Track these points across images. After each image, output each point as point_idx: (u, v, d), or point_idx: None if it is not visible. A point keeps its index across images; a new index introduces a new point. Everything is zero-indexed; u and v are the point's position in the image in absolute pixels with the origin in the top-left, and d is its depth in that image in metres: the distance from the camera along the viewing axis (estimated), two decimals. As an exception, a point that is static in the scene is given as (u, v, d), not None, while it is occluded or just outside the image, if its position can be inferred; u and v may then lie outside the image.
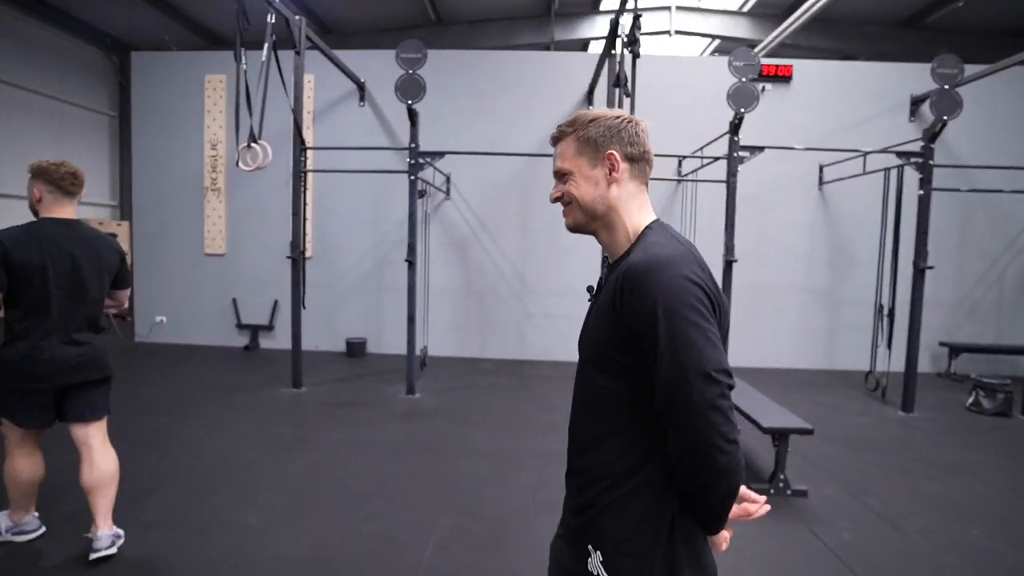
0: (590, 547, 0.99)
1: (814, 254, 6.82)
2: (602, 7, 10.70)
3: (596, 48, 10.81)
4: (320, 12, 9.54)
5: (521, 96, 6.59)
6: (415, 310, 4.99)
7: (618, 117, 1.04)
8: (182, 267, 6.96)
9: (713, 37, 11.24)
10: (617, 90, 4.58)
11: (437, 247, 6.65)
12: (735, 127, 4.89)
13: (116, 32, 10.41)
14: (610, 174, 1.03)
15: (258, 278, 6.85)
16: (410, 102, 4.72)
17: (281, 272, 6.79)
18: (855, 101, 6.64)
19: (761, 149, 5.02)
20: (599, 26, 10.91)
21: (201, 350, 6.68)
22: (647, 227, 1.03)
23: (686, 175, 6.27)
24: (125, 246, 9.02)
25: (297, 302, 5.01)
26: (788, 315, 6.82)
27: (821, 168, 6.66)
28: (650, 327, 0.89)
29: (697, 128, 6.08)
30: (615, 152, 1.02)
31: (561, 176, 1.07)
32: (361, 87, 6.56)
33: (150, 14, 9.31)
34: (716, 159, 5.48)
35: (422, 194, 5.91)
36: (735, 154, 4.95)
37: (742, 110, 4.72)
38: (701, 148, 5.82)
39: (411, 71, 4.71)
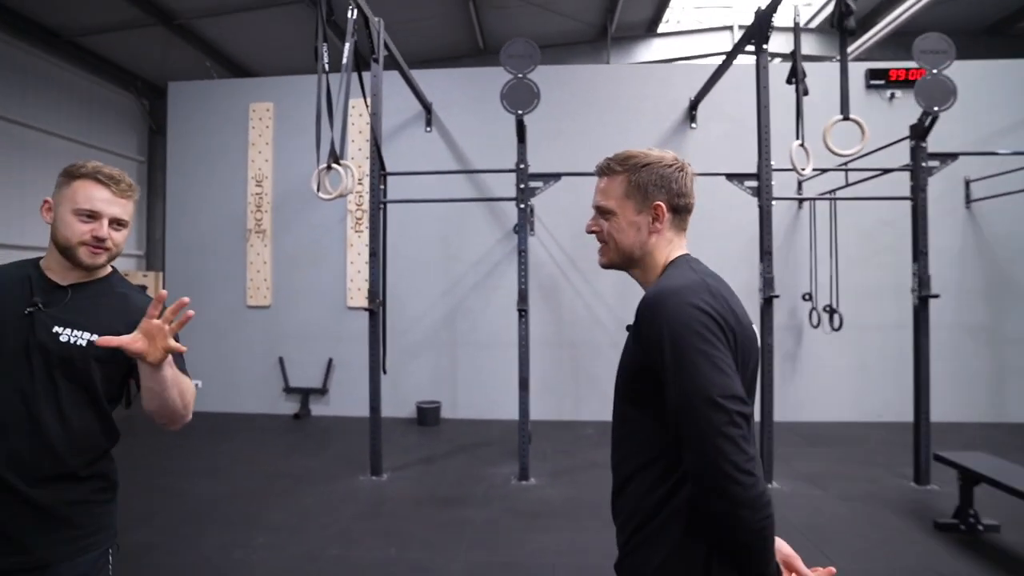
0: None
1: (965, 284, 5.72)
2: (659, 30, 10.04)
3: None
4: (363, 42, 8.93)
5: (615, 114, 5.70)
6: (528, 371, 3.92)
7: (671, 165, 1.04)
8: (222, 323, 5.99)
9: (775, 55, 10.51)
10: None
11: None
12: (923, 130, 3.89)
13: (147, 74, 9.85)
14: (653, 223, 1.04)
15: (308, 333, 5.85)
16: (520, 112, 3.79)
17: (335, 326, 5.81)
18: (1007, 103, 5.66)
19: (954, 156, 4.01)
20: (656, 49, 10.22)
21: (245, 420, 5.62)
22: (671, 262, 1.06)
23: (826, 193, 5.22)
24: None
25: (376, 365, 3.96)
26: (940, 357, 5.65)
27: (967, 183, 5.64)
28: (659, 354, 0.90)
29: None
30: (663, 204, 1.03)
31: (603, 213, 1.07)
32: (428, 109, 5.70)
33: (186, 52, 8.71)
34: (882, 172, 4.46)
35: (516, 230, 4.94)
36: (923, 163, 3.93)
37: (935, 108, 3.73)
38: (848, 159, 4.80)
39: (520, 75, 3.81)
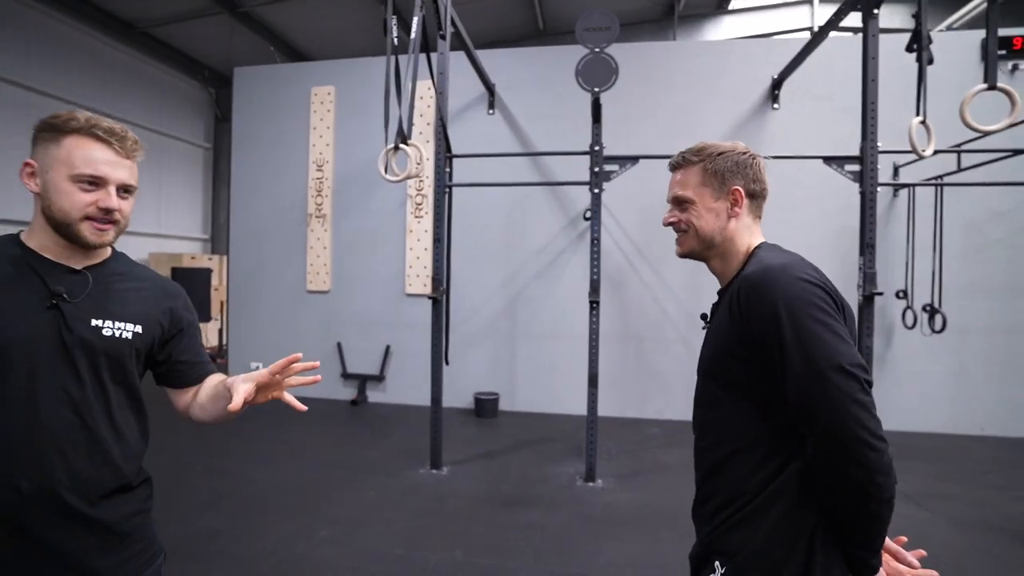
0: (716, 563, 0.97)
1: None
2: (731, 6, 9.44)
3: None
4: (428, 20, 8.79)
5: (688, 94, 5.32)
6: (597, 367, 3.68)
7: (744, 152, 1.10)
8: (281, 306, 6.03)
9: (854, 31, 9.71)
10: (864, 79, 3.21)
11: (584, 280, 5.35)
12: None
13: (214, 63, 10.10)
14: (732, 208, 1.09)
15: (367, 319, 5.80)
16: (596, 90, 3.52)
17: (393, 312, 5.73)
18: None
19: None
20: (726, 27, 9.63)
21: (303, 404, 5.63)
22: (756, 247, 1.09)
23: (933, 179, 4.69)
24: (219, 282, 8.34)
25: (438, 355, 3.81)
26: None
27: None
28: (774, 329, 0.90)
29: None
30: (740, 188, 1.08)
31: (680, 203, 1.12)
32: (491, 91, 5.49)
33: (250, 40, 8.84)
34: (1013, 153, 3.94)
35: (587, 217, 4.69)
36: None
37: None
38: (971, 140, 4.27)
39: (597, 48, 3.54)
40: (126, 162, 1.05)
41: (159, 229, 9.51)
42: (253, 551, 2.75)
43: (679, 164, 1.14)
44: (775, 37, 8.87)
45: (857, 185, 3.44)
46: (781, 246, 1.09)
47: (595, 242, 3.64)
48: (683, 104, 5.32)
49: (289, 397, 1.10)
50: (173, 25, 8.59)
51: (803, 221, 5.02)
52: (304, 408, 1.11)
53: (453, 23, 4.05)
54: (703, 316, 1.17)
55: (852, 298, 3.88)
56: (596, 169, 3.63)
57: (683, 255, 1.16)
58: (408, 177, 2.99)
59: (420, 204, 5.61)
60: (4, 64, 6.70)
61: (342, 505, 3.30)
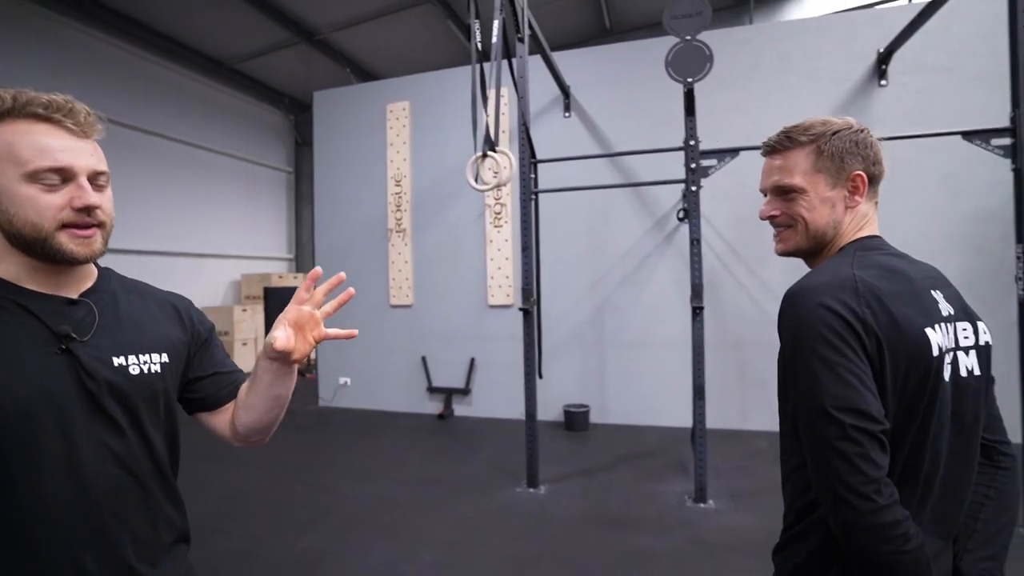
0: None
1: None
2: (814, -17, 8.79)
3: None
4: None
5: (780, 78, 4.92)
6: (703, 377, 3.40)
7: (861, 130, 0.95)
8: (367, 322, 6.12)
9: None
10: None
11: (673, 284, 5.08)
12: None
13: (293, 91, 10.62)
14: (852, 197, 0.95)
15: (450, 332, 5.77)
16: (690, 80, 3.28)
17: (476, 324, 5.66)
18: None
19: None
20: (810, 6, 9.00)
21: (391, 418, 5.68)
22: (844, 246, 0.95)
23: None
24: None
25: (531, 368, 3.66)
26: None
27: None
28: (786, 357, 0.88)
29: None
30: (861, 172, 0.93)
31: (785, 193, 0.97)
32: (567, 93, 5.34)
33: (325, 65, 9.21)
34: None
35: (681, 217, 4.42)
36: None
37: None
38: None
39: (688, 37, 3.30)
40: (86, 144, 0.80)
41: (249, 251, 10.06)
42: (358, 573, 2.71)
43: (781, 146, 0.97)
44: (878, 7, 8.15)
45: (1009, 161, 2.98)
46: (882, 243, 0.95)
47: (695, 243, 3.38)
48: (775, 90, 4.92)
49: (335, 331, 0.91)
50: (256, 59, 9.11)
51: (924, 207, 4.50)
52: (355, 333, 0.93)
53: (530, 26, 3.93)
54: None
55: (1006, 292, 3.39)
56: (692, 165, 3.37)
57: (785, 253, 1.01)
58: (499, 185, 2.88)
59: (499, 213, 5.53)
60: (108, 106, 7.30)
61: (442, 525, 3.21)
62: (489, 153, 2.92)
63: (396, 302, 6.01)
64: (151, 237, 7.96)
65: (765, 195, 1.04)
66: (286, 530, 3.17)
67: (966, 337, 0.91)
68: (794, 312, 0.86)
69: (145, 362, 0.88)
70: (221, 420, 1.01)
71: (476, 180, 2.91)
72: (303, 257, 11.41)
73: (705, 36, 3.36)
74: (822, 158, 0.93)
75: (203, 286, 8.96)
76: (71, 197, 0.77)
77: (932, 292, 0.91)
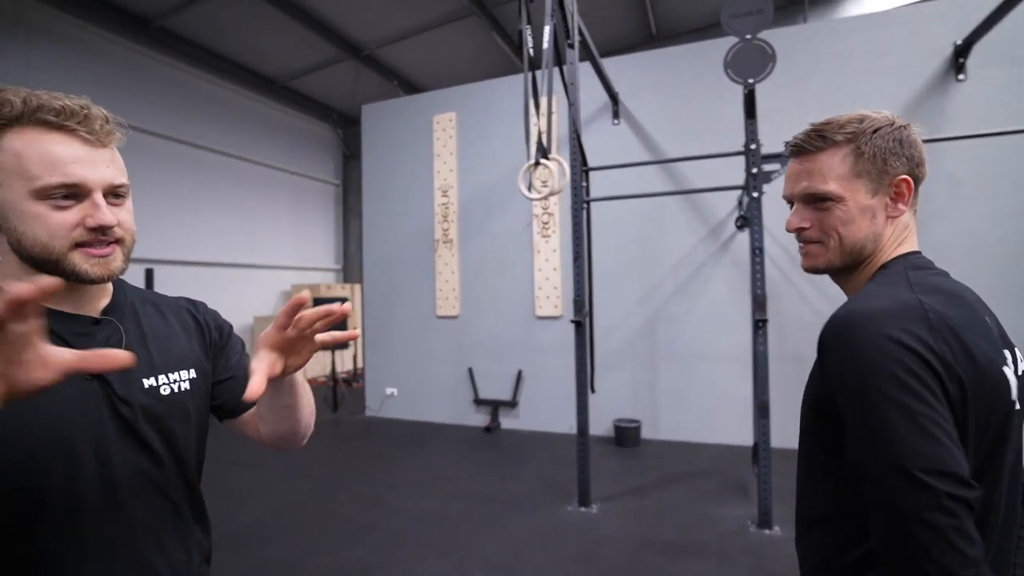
0: None
1: None
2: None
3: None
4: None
5: (845, 75, 4.67)
6: (767, 393, 3.20)
7: (904, 126, 0.82)
8: (413, 332, 6.14)
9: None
10: None
11: (728, 296, 4.87)
12: None
13: (340, 106, 10.91)
14: (895, 205, 0.81)
15: (497, 343, 5.71)
16: (751, 81, 3.12)
17: (524, 336, 5.58)
18: None
19: None
20: (870, 3, 8.59)
21: (437, 430, 5.65)
22: (887, 263, 0.81)
23: None
24: (354, 307, 8.77)
25: (583, 383, 3.54)
26: None
27: None
28: (843, 399, 0.72)
29: None
30: (907, 177, 0.80)
31: (816, 201, 0.83)
32: (615, 100, 5.23)
33: (372, 80, 9.41)
34: None
35: (740, 225, 4.23)
36: None
37: None
38: None
39: (749, 36, 3.15)
40: (103, 153, 0.73)
41: (298, 262, 10.33)
42: (410, 593, 2.64)
43: (810, 145, 0.84)
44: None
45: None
46: (927, 262, 0.82)
47: (757, 252, 3.20)
48: (836, 89, 4.67)
49: (331, 335, 0.78)
50: (306, 76, 9.40)
51: (1001, 210, 4.16)
52: (356, 334, 0.81)
53: (580, 32, 3.86)
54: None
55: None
56: (754, 170, 3.20)
57: (813, 270, 0.88)
58: (552, 194, 2.80)
59: (547, 223, 5.45)
60: (167, 123, 7.66)
61: (491, 544, 3.12)
62: (542, 161, 2.84)
63: (443, 313, 5.99)
64: (204, 249, 8.27)
65: (791, 204, 0.90)
66: (334, 542, 3.15)
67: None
68: (852, 345, 0.72)
69: (175, 380, 0.83)
70: (249, 426, 0.97)
71: (529, 189, 2.84)
72: (350, 268, 11.63)
73: (762, 35, 3.21)
74: (862, 160, 0.80)
75: (254, 296, 9.24)
76: (84, 215, 0.71)
77: (987, 319, 0.77)
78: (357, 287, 9.54)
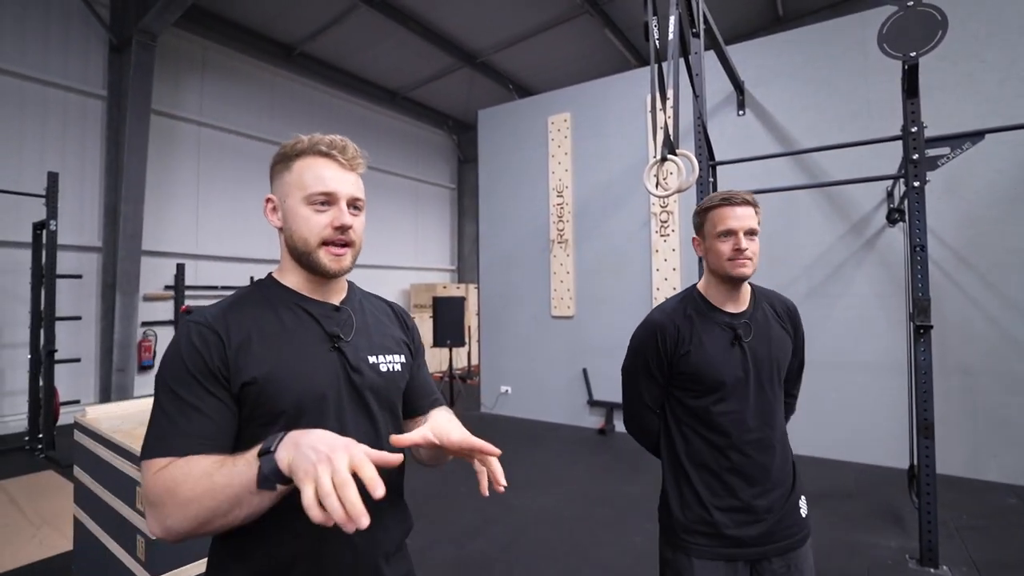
0: None
1: None
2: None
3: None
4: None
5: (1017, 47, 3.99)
6: (932, 412, 2.81)
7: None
8: (528, 332, 6.21)
9: None
10: None
11: (874, 299, 4.36)
12: None
13: (455, 113, 11.35)
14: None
15: (612, 344, 5.59)
16: (913, 54, 2.76)
17: (639, 337, 5.40)
18: None
19: None
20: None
21: (551, 429, 5.67)
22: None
23: None
24: (469, 307, 9.06)
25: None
26: None
27: None
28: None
29: None
30: None
31: (753, 234, 1.41)
32: (740, 90, 4.90)
33: (483, 88, 9.68)
34: None
35: (894, 219, 3.80)
36: None
37: None
38: None
39: (911, 3, 2.79)
40: (350, 175, 0.97)
41: (417, 263, 10.90)
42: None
43: (752, 202, 1.41)
44: None
45: None
46: None
47: (918, 250, 2.82)
48: (1021, 57, 3.99)
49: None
50: (424, 87, 9.89)
51: None
52: (497, 452, 0.89)
53: (705, 20, 3.66)
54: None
55: None
56: (915, 156, 2.82)
57: (746, 277, 1.43)
58: (680, 190, 2.68)
59: (666, 222, 5.25)
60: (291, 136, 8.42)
61: (609, 550, 3.05)
62: (669, 157, 2.72)
63: (557, 313, 6.00)
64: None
65: (732, 234, 1.40)
66: (456, 534, 3.26)
67: None
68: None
69: (391, 361, 1.02)
70: (407, 429, 1.08)
71: (656, 186, 2.74)
72: (464, 269, 12.06)
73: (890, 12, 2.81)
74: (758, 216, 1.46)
75: (381, 295, 9.91)
76: (332, 218, 0.93)
77: None
78: (471, 287, 9.86)
